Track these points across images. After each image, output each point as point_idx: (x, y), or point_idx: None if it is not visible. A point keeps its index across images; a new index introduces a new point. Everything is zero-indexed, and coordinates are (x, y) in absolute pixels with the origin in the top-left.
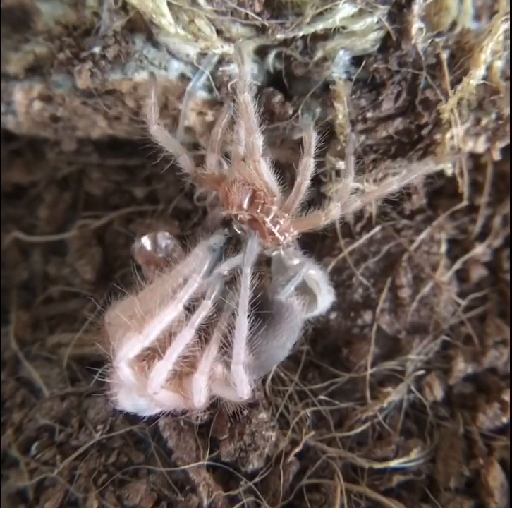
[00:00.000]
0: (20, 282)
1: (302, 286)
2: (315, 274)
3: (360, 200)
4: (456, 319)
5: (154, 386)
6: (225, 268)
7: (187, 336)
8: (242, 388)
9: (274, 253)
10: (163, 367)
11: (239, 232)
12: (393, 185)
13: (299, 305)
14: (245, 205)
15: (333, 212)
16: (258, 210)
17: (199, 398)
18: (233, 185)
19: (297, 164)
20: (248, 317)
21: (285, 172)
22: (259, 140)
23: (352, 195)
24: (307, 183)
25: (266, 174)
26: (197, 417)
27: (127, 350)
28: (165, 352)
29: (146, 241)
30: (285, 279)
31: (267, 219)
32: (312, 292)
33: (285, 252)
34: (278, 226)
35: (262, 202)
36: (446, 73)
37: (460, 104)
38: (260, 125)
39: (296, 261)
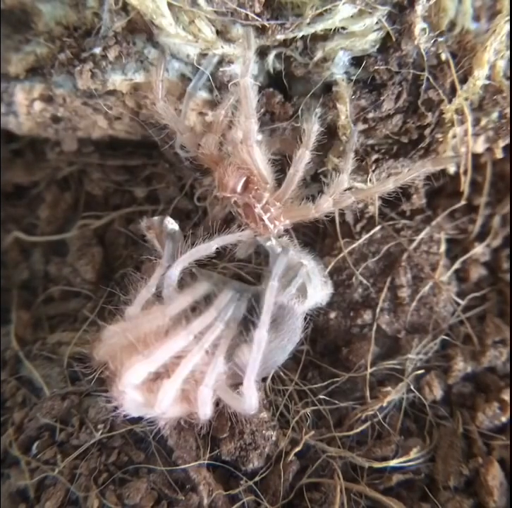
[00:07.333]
0: (21, 282)
1: (292, 275)
2: (307, 265)
3: (354, 197)
4: (456, 318)
5: (163, 407)
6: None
7: (196, 356)
8: (252, 403)
9: (267, 243)
10: (171, 388)
11: (236, 215)
12: (389, 184)
13: (300, 307)
14: (239, 189)
15: (324, 206)
16: (251, 195)
17: (205, 410)
18: (228, 168)
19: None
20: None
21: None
22: (254, 125)
23: (346, 191)
24: (300, 174)
25: (259, 160)
26: (200, 425)
27: (134, 376)
28: (170, 370)
29: (155, 221)
30: (287, 280)
31: (258, 205)
32: (302, 284)
33: (277, 241)
34: (268, 214)
35: (255, 187)
36: (453, 72)
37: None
38: (258, 111)
39: (286, 251)
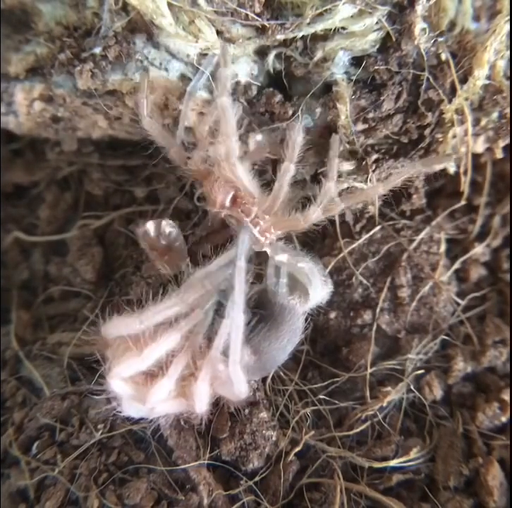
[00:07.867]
0: (21, 282)
1: (293, 280)
2: (305, 267)
3: (344, 204)
4: (456, 318)
5: (153, 402)
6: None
7: (183, 361)
8: (240, 387)
9: (263, 249)
10: (164, 386)
11: (230, 225)
12: (379, 188)
13: (301, 307)
14: (227, 204)
15: (312, 216)
16: (239, 210)
17: (202, 405)
18: (215, 184)
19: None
20: (244, 312)
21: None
22: (235, 144)
23: (336, 198)
24: (285, 188)
25: (243, 177)
26: (200, 420)
27: (124, 369)
28: (164, 368)
29: (150, 226)
30: (292, 285)
31: (247, 219)
32: (303, 285)
33: (271, 248)
34: (258, 227)
35: (244, 202)
36: (453, 72)
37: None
38: (240, 128)
39: (283, 257)
